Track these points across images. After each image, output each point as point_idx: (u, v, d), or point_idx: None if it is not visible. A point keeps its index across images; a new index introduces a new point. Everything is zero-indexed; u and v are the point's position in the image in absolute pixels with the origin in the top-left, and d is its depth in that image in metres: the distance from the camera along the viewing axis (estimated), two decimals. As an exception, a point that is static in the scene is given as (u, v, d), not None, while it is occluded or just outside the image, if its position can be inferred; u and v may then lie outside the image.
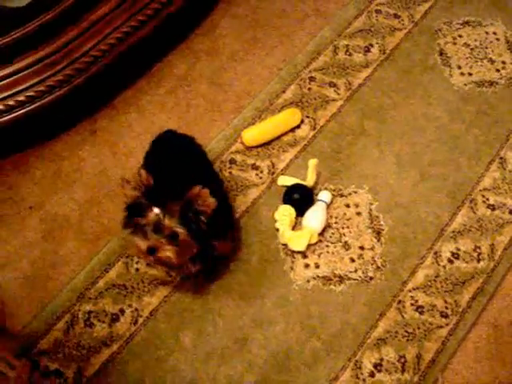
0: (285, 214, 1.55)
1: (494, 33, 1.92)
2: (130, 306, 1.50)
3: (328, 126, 1.74)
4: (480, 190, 1.65)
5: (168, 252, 1.24)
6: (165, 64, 1.87)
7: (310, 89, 1.80)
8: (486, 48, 1.89)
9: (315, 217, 1.55)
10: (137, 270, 1.53)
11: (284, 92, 1.79)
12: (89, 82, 1.64)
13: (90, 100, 1.76)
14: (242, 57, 1.88)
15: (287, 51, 1.88)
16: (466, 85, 1.81)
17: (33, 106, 1.58)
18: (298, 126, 1.73)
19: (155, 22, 1.71)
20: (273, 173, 1.66)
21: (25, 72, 1.56)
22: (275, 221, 1.56)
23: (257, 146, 1.69)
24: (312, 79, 1.81)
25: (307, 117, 1.75)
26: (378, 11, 1.95)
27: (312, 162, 1.61)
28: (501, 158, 1.70)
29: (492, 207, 1.63)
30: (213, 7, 1.98)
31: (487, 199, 1.64)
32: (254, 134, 1.68)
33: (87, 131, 1.75)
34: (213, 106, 1.79)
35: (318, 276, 1.53)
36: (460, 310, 1.49)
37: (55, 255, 1.58)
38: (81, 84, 1.63)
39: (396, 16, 1.94)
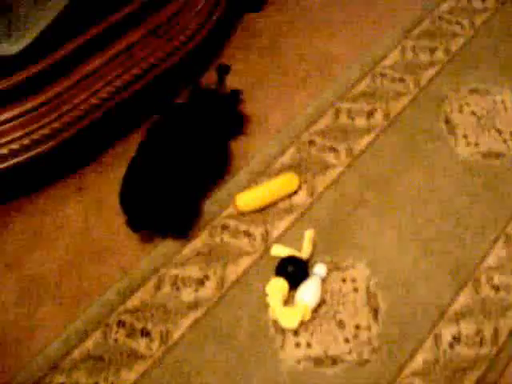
0: (277, 287, 1.45)
1: (502, 101, 1.86)
2: (105, 379, 1.38)
3: (326, 194, 1.65)
4: (484, 269, 1.56)
5: None
6: (158, 119, 1.80)
7: (309, 153, 1.72)
8: (494, 117, 1.82)
9: (309, 292, 1.46)
10: (115, 340, 1.43)
11: (282, 155, 1.72)
12: (77, 136, 1.56)
13: (77, 154, 1.68)
14: (240, 116, 1.81)
15: (287, 112, 1.81)
16: (472, 156, 1.74)
17: (16, 160, 1.49)
18: (295, 192, 1.64)
19: (150, 77, 1.65)
20: (266, 241, 1.57)
21: (10, 124, 1.48)
22: (267, 294, 1.47)
23: (250, 212, 1.61)
24: (312, 143, 1.74)
25: (305, 183, 1.67)
26: (382, 74, 1.89)
27: (308, 234, 1.52)
28: (506, 235, 1.61)
29: (496, 288, 1.54)
30: (211, 63, 1.92)
31: (491, 279, 1.55)
32: (248, 199, 1.59)
33: (73, 186, 1.67)
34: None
35: (309, 356, 1.42)
36: (461, 401, 1.39)
37: (30, 319, 1.47)
38: (69, 138, 1.55)
39: (401, 80, 1.88)
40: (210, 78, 1.83)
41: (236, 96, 1.74)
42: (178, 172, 1.52)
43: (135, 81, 1.62)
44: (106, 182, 1.67)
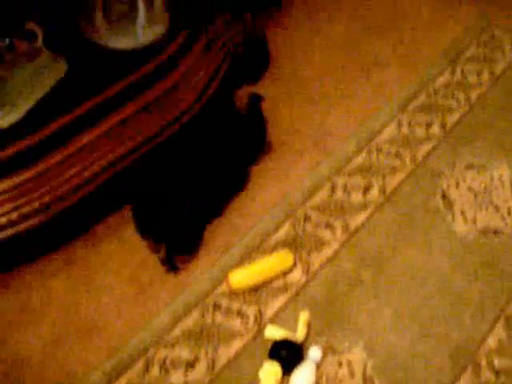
0: (270, 372, 1.39)
1: (500, 177, 1.84)
2: None
3: (322, 272, 1.61)
4: (484, 352, 1.51)
5: None
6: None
7: (304, 229, 1.69)
8: (491, 193, 1.80)
9: (303, 378, 1.40)
10: (100, 427, 1.37)
11: (277, 231, 1.68)
12: (68, 210, 1.53)
13: (67, 228, 1.64)
14: (235, 189, 1.79)
15: (282, 186, 1.79)
16: (469, 232, 1.71)
17: (3, 235, 1.46)
18: (290, 270, 1.60)
19: (144, 150, 1.63)
20: (260, 321, 1.52)
21: (-2, 198, 1.45)
22: (259, 379, 1.41)
23: (244, 291, 1.56)
24: (307, 219, 1.71)
25: (300, 260, 1.63)
26: (378, 149, 1.87)
27: (303, 316, 1.48)
28: (506, 316, 1.57)
29: (497, 372, 1.48)
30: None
31: (492, 362, 1.49)
32: (241, 278, 1.54)
33: (62, 260, 1.62)
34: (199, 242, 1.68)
35: None
36: None
37: (11, 402, 1.41)
38: (59, 213, 1.52)
39: (397, 155, 1.86)
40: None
41: (260, 116, 1.80)
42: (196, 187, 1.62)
43: (129, 154, 1.60)
44: (96, 256, 1.63)
